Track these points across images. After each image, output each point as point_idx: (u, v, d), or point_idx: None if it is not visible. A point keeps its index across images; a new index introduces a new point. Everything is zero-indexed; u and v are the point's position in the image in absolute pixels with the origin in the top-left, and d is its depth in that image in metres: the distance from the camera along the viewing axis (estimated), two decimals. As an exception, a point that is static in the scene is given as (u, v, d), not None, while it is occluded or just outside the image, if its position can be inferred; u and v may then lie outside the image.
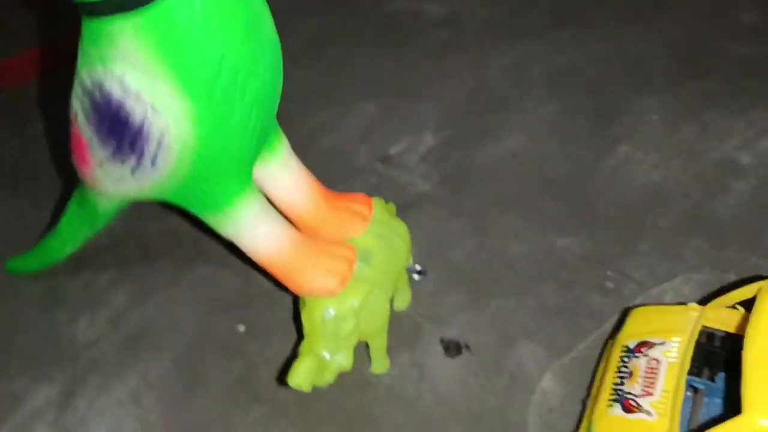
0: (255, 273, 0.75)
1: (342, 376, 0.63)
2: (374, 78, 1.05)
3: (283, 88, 0.58)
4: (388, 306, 0.65)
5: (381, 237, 0.66)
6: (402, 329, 0.71)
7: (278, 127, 0.63)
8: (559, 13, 1.11)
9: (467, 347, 0.69)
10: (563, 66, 1.01)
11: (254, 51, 0.51)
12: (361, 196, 0.68)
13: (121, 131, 0.51)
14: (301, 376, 0.59)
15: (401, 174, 0.88)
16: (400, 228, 0.69)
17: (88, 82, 0.51)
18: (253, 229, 0.59)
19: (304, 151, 0.67)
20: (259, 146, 0.58)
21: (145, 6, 0.46)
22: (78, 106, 0.53)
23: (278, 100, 0.58)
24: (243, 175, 0.57)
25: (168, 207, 0.62)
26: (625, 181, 0.83)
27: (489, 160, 0.88)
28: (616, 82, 0.97)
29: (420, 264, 0.72)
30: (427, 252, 0.77)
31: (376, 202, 0.69)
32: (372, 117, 0.98)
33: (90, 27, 0.49)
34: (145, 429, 0.67)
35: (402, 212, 0.75)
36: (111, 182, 0.56)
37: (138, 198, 0.58)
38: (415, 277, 0.73)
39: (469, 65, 1.04)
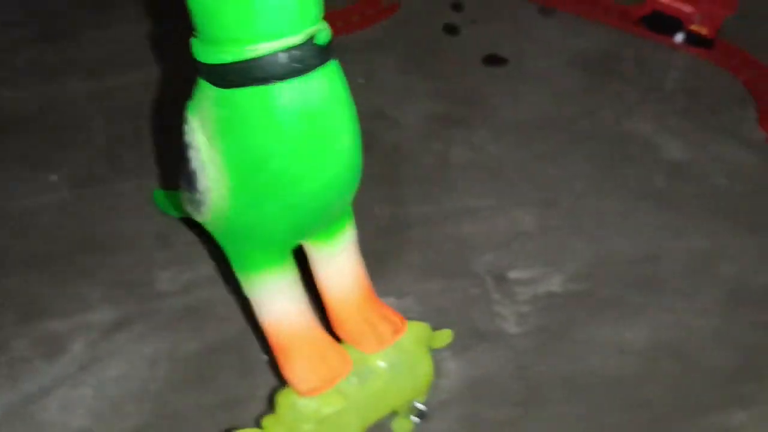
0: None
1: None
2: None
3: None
4: (358, 429, 0.64)
5: (390, 367, 0.65)
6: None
7: (346, 222, 0.63)
8: None
9: None
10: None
11: (309, 163, 0.52)
12: (396, 316, 0.66)
13: (185, 168, 0.56)
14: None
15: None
16: (423, 365, 0.67)
17: (186, 113, 0.55)
18: (264, 301, 0.61)
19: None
20: (303, 236, 0.60)
21: (236, 86, 0.49)
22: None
23: (342, 202, 0.58)
24: (273, 254, 0.59)
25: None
26: None
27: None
28: None
29: (424, 409, 0.69)
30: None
31: (413, 328, 0.67)
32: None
33: (200, 88, 0.53)
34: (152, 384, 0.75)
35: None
36: (185, 203, 0.62)
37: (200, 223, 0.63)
38: (413, 418, 0.70)
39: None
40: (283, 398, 0.63)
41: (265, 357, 0.78)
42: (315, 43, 0.49)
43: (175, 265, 0.88)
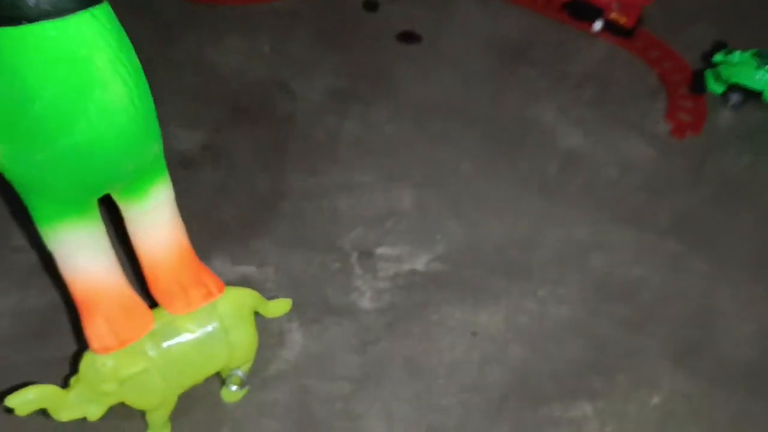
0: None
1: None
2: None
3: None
4: (165, 393, 0.64)
5: (202, 330, 0.64)
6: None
7: (157, 180, 0.62)
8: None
9: None
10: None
11: (78, 108, 0.51)
12: (214, 280, 0.65)
13: None
14: (24, 398, 0.60)
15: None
16: (241, 332, 0.66)
17: None
18: (63, 253, 0.60)
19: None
20: (98, 189, 0.59)
21: None
22: None
23: (132, 158, 0.57)
24: (68, 207, 0.58)
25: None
26: None
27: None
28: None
29: (243, 378, 0.69)
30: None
31: (233, 294, 0.66)
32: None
33: None
34: None
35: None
36: None
37: None
38: (232, 387, 0.69)
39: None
40: (85, 358, 0.62)
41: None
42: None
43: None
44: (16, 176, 0.55)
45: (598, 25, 1.18)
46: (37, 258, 0.83)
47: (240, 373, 0.70)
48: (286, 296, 0.72)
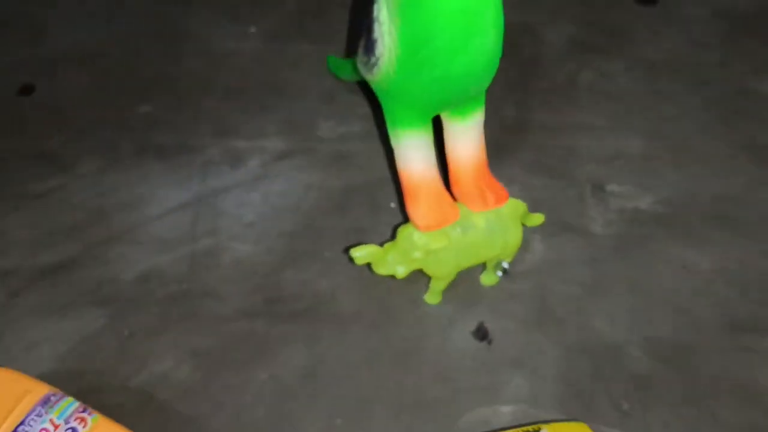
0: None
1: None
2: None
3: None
4: (453, 267, 0.84)
5: (488, 226, 0.83)
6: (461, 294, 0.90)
7: (478, 106, 0.80)
8: None
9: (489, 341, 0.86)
10: None
11: (460, 51, 0.69)
12: (502, 190, 0.84)
13: (368, 37, 0.74)
14: (361, 252, 0.82)
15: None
16: (513, 234, 0.85)
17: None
18: (405, 152, 0.80)
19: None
20: (444, 107, 0.77)
21: None
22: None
23: (479, 86, 0.76)
24: (418, 116, 0.78)
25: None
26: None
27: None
28: None
29: (510, 266, 0.88)
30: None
31: (512, 202, 0.85)
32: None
33: None
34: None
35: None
36: (360, 65, 0.80)
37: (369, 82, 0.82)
38: (498, 273, 0.89)
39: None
40: (403, 230, 0.83)
41: (392, 204, 0.99)
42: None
43: (334, 119, 1.09)
44: (397, 91, 0.75)
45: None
46: (335, 148, 1.05)
47: (505, 264, 0.89)
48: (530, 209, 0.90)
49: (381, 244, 0.84)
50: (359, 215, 0.98)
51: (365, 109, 1.08)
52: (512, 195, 0.89)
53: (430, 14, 0.67)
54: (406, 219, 0.85)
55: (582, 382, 0.82)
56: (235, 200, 0.98)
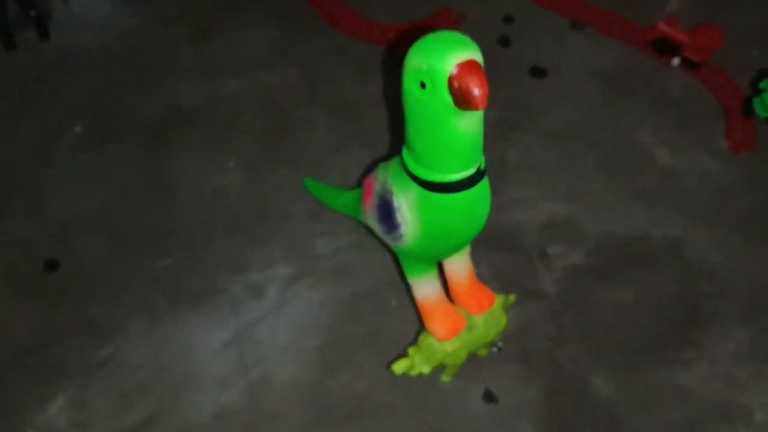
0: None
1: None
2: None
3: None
4: (464, 357, 1.11)
5: (485, 322, 1.10)
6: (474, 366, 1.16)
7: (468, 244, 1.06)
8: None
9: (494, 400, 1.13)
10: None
11: (465, 229, 0.94)
12: (489, 291, 1.11)
13: (387, 220, 0.97)
14: (401, 368, 1.07)
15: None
16: (502, 321, 1.13)
17: (387, 184, 0.96)
18: (420, 287, 1.06)
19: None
20: (447, 256, 1.03)
21: (437, 192, 0.89)
22: (377, 188, 0.99)
23: (470, 240, 1.01)
24: (429, 265, 1.03)
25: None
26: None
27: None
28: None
29: (502, 343, 1.16)
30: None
31: (498, 299, 1.12)
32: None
33: (405, 175, 0.92)
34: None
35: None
36: (381, 235, 1.03)
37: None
38: (494, 350, 1.16)
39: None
40: (424, 338, 1.09)
41: (393, 302, 1.23)
42: (479, 170, 0.89)
43: (325, 235, 1.30)
44: (414, 253, 0.99)
45: (676, 61, 1.57)
46: (334, 263, 1.27)
47: (499, 343, 1.17)
48: (493, 285, 1.17)
49: (405, 350, 1.09)
50: (370, 318, 1.21)
51: (350, 220, 1.30)
52: (481, 277, 1.15)
53: (445, 214, 0.91)
54: (409, 314, 1.11)
55: (567, 417, 1.12)
56: (268, 328, 1.19)
